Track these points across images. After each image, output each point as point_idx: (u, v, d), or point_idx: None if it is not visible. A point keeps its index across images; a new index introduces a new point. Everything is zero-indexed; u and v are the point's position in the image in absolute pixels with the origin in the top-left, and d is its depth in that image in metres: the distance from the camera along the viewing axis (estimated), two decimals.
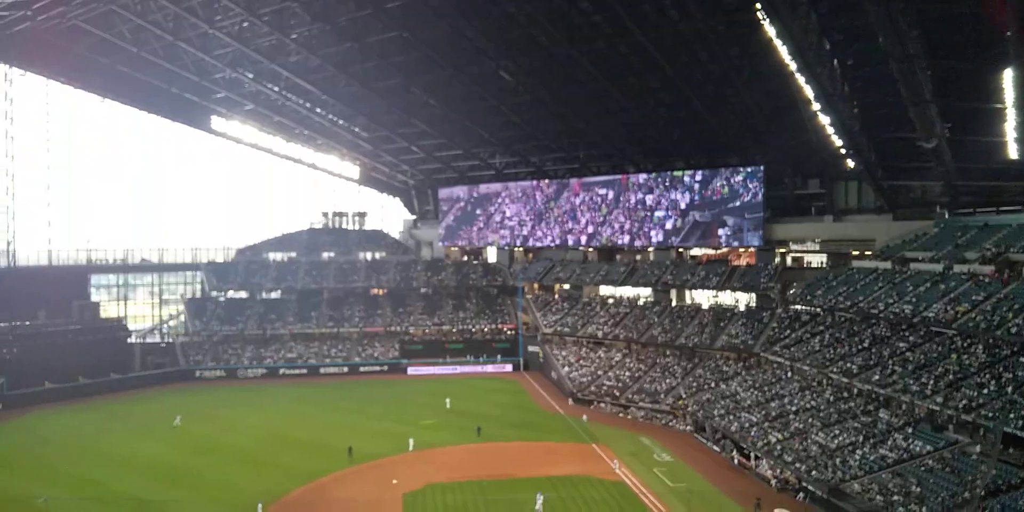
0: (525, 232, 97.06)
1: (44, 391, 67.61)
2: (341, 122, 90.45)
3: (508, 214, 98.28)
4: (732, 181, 76.74)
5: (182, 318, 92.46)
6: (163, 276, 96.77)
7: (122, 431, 58.22)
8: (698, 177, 79.90)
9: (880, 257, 62.89)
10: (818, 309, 63.23)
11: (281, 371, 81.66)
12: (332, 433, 57.21)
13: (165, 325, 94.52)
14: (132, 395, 71.08)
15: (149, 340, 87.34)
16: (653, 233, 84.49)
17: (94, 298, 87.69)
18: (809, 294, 64.06)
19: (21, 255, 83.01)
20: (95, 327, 77.97)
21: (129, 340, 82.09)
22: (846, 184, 72.15)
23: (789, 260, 76.98)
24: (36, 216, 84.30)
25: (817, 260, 74.72)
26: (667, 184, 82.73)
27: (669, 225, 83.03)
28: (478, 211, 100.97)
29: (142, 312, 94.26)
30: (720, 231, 78.12)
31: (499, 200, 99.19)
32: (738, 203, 76.09)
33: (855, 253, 68.86)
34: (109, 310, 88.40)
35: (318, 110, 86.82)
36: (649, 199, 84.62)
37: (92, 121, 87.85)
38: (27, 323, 73.53)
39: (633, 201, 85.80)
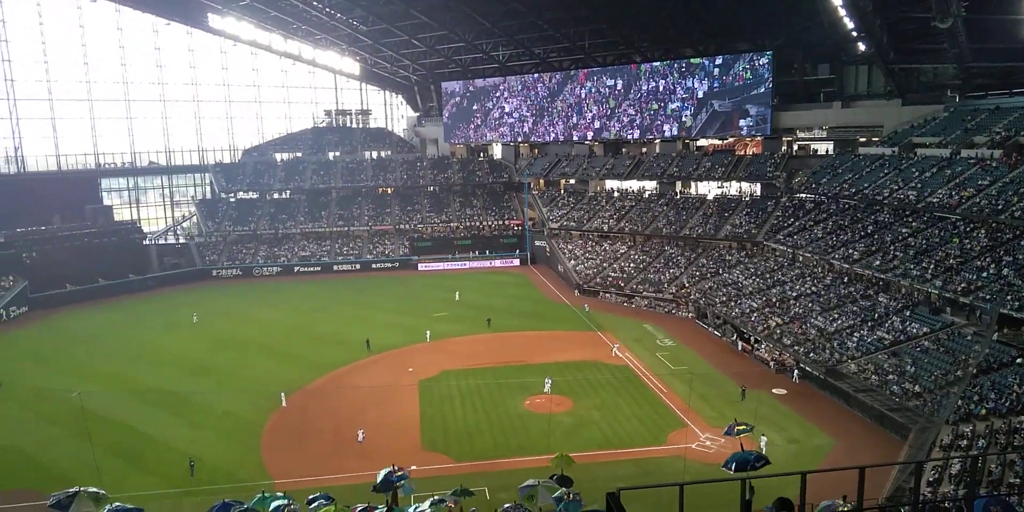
0: (526, 129, 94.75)
1: (66, 293, 69.83)
2: (339, 15, 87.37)
3: (507, 110, 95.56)
4: (757, 64, 72.46)
5: (195, 219, 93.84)
6: (172, 178, 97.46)
7: (146, 329, 60.63)
8: (718, 61, 75.34)
9: (887, 143, 62.23)
10: (823, 197, 63.36)
11: (296, 269, 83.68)
12: (349, 326, 59.46)
13: (179, 226, 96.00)
14: (152, 295, 73.40)
15: (164, 241, 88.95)
16: (667, 127, 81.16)
17: (106, 202, 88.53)
18: (814, 182, 63.98)
19: (30, 162, 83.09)
20: (110, 230, 79.20)
21: (145, 242, 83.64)
22: (856, 69, 70.19)
23: (795, 148, 76.21)
24: (40, 122, 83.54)
25: (824, 148, 74.00)
26: (683, 70, 78.35)
27: (685, 116, 79.29)
28: (474, 107, 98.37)
29: (155, 215, 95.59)
30: (742, 122, 74.70)
31: (497, 94, 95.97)
32: (762, 89, 72.71)
33: (862, 140, 68.13)
34: (122, 213, 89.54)
35: (314, 3, 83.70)
36: (662, 87, 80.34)
37: (88, 25, 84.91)
38: (43, 228, 74.65)
39: (645, 91, 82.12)
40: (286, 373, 47.93)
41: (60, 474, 33.81)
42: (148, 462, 35.48)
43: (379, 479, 18.42)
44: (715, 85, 76.25)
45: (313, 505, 17.58)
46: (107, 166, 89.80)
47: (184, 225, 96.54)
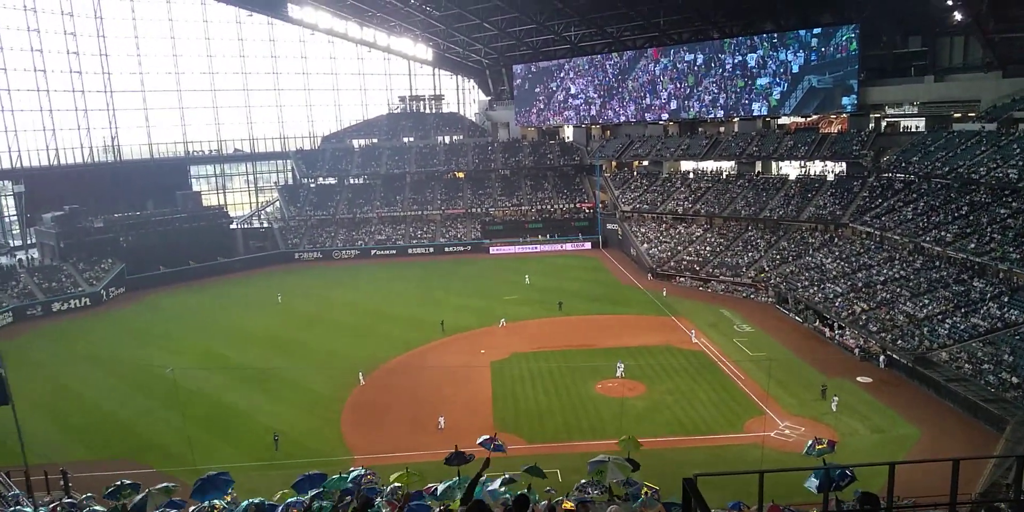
0: (593, 112, 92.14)
1: (160, 275, 73.65)
2: (412, 1, 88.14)
3: (573, 91, 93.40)
4: (859, 35, 66.89)
5: (277, 204, 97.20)
6: (256, 165, 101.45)
7: (234, 308, 63.46)
8: (816, 31, 69.12)
9: (985, 119, 58.54)
10: (913, 176, 60.30)
11: (372, 252, 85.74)
12: (423, 308, 60.52)
13: (263, 211, 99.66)
14: (238, 276, 76.53)
15: (249, 226, 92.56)
16: (755, 105, 76.20)
17: (195, 188, 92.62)
18: (904, 160, 60.94)
19: (125, 150, 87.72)
20: (199, 215, 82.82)
21: (231, 226, 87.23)
22: (951, 40, 66.00)
23: (883, 125, 72.62)
24: (134, 113, 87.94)
25: (914, 124, 70.20)
26: (775, 41, 72.55)
27: (776, 93, 73.73)
28: (536, 89, 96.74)
29: (240, 200, 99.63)
30: (845, 99, 68.86)
31: (561, 74, 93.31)
32: (858, 64, 68.06)
33: (957, 116, 64.31)
34: (210, 199, 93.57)
35: None
36: (751, 61, 74.99)
37: (176, 18, 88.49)
38: (138, 213, 78.65)
39: (729, 65, 77.38)
40: (364, 352, 49.28)
41: (157, 444, 35.78)
42: (235, 435, 37.15)
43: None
44: (812, 58, 70.50)
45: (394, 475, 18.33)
46: (195, 153, 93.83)
47: (267, 210, 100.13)
